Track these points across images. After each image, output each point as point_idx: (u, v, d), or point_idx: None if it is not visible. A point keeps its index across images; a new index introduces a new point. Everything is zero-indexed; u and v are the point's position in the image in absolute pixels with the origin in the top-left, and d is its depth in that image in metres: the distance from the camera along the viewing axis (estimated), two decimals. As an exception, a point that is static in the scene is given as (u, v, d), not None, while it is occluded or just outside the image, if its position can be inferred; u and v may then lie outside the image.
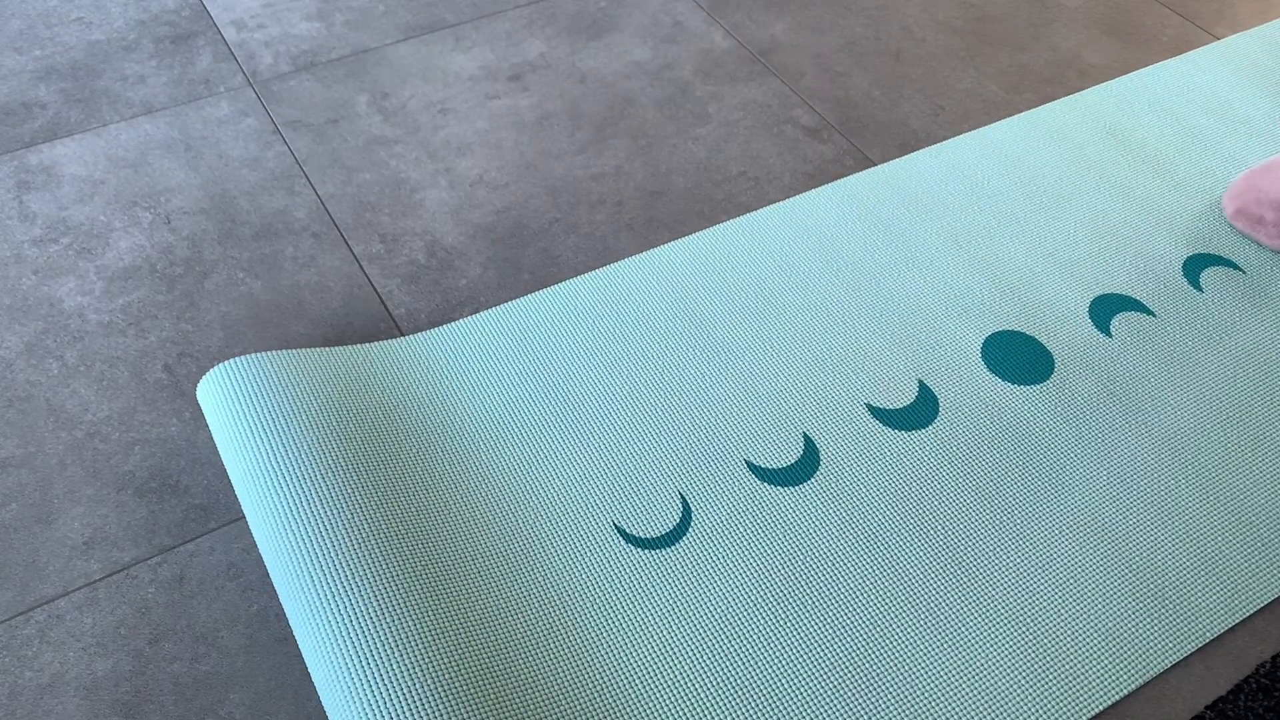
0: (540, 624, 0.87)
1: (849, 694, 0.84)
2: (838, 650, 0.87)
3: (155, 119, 1.31)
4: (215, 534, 0.94)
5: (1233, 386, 1.06)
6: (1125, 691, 0.86)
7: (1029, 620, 0.89)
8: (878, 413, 1.03)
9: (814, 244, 1.18)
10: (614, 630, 0.87)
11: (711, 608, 0.89)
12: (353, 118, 1.32)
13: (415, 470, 0.95)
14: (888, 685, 0.85)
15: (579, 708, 0.83)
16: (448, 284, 1.14)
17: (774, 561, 0.92)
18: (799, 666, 0.86)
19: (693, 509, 0.95)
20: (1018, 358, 1.08)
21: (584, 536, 0.93)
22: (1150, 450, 1.01)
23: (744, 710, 0.83)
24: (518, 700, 0.81)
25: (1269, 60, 1.45)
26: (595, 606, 0.89)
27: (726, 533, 0.94)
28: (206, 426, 1.01)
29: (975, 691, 0.85)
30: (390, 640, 0.80)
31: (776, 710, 0.83)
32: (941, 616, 0.89)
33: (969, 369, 1.07)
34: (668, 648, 0.87)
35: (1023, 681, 0.86)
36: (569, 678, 0.84)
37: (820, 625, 0.88)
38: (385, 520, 0.89)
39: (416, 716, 0.77)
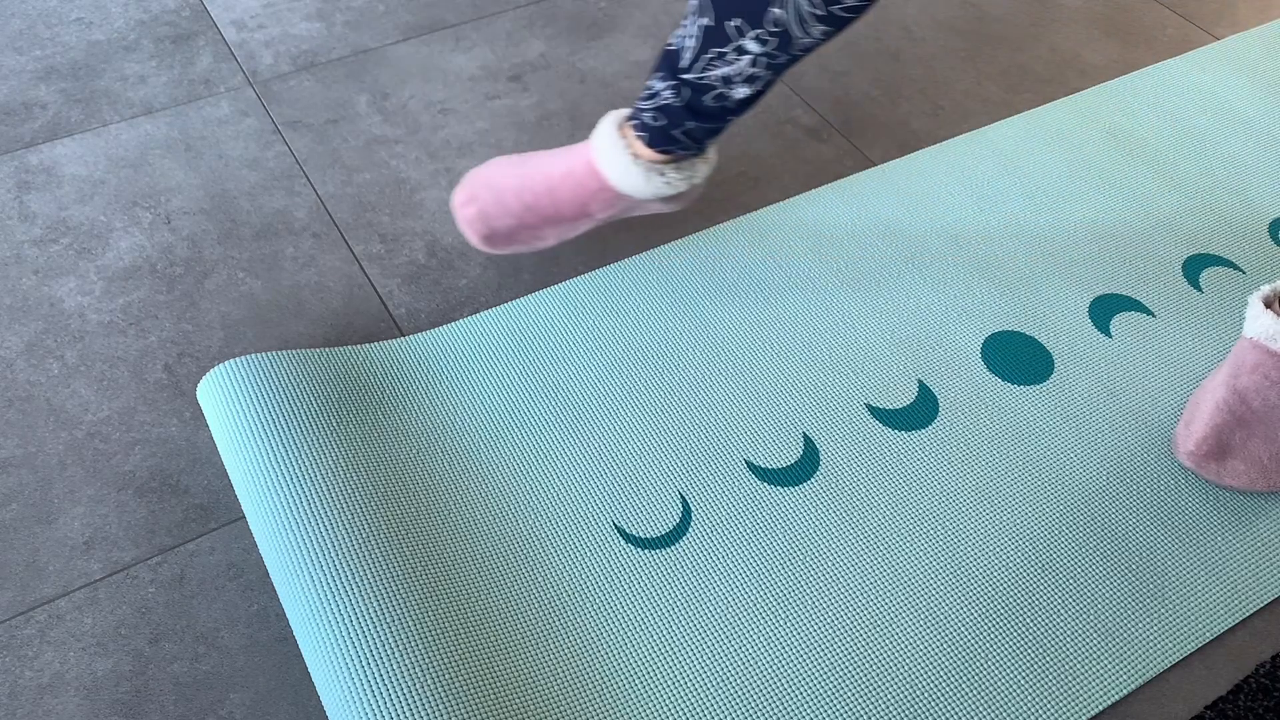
0: (540, 624, 0.87)
1: (849, 694, 0.84)
2: (838, 650, 0.87)
3: (155, 119, 1.31)
4: (215, 534, 0.94)
5: (1233, 386, 1.06)
6: (1125, 691, 0.86)
7: (1029, 620, 0.89)
8: (878, 413, 1.03)
9: (814, 244, 1.18)
10: (614, 630, 0.87)
11: (711, 608, 0.89)
12: (353, 118, 1.32)
13: (415, 470, 0.95)
14: (888, 685, 0.85)
15: (579, 708, 0.83)
16: (448, 284, 1.14)
17: (774, 561, 0.92)
18: (799, 666, 0.86)
19: (693, 509, 0.95)
20: (1018, 358, 1.08)
21: (584, 536, 0.93)
22: (1150, 450, 1.01)
23: (744, 710, 0.83)
24: (518, 700, 0.81)
25: (1269, 60, 1.45)
26: (595, 606, 0.89)
27: (726, 533, 0.94)
28: (206, 426, 1.01)
29: (975, 691, 0.85)
30: (390, 640, 0.81)
31: (776, 710, 0.83)
32: (941, 616, 0.89)
33: (969, 369, 1.07)
34: (668, 648, 0.87)
35: (1023, 681, 0.86)
36: (569, 678, 0.84)
37: (820, 625, 0.88)
38: (385, 520, 0.89)
39: (416, 716, 0.77)
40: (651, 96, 0.97)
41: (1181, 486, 0.98)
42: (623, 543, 0.93)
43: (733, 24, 0.88)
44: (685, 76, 0.93)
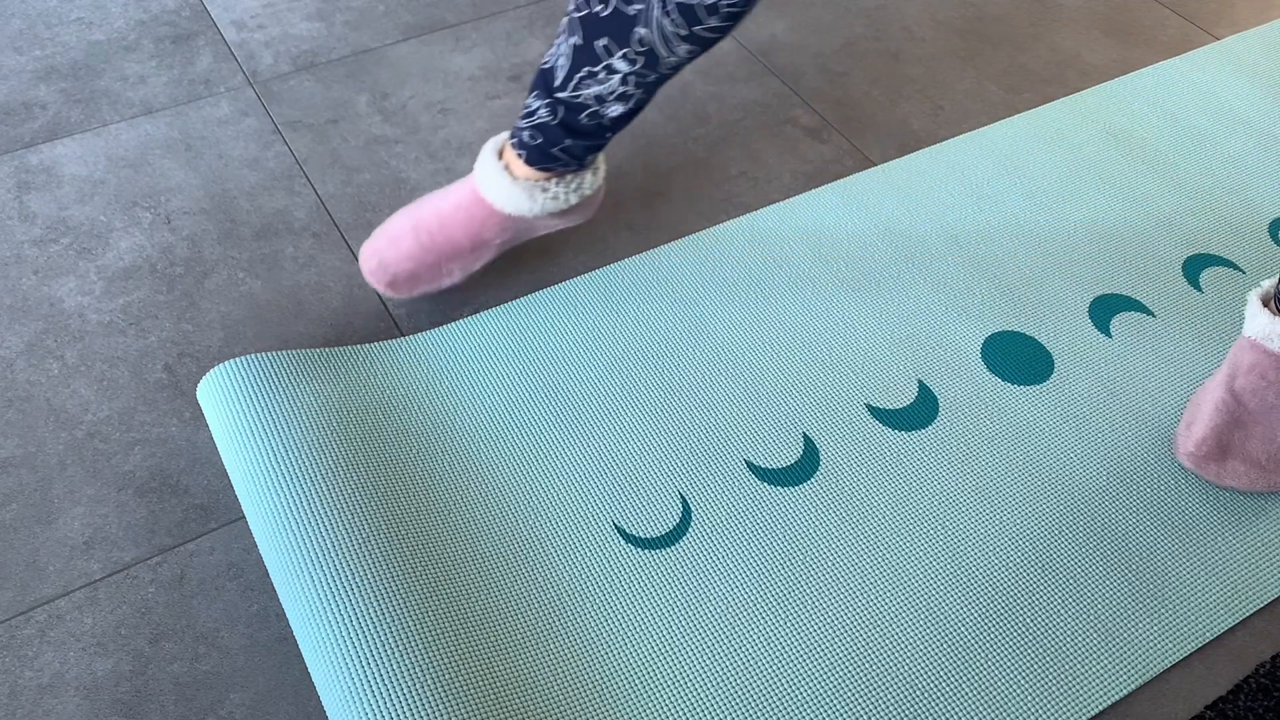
0: (540, 624, 0.87)
1: (849, 694, 0.84)
2: (838, 650, 0.87)
3: (155, 119, 1.31)
4: (215, 534, 0.94)
5: (1233, 386, 1.06)
6: (1125, 691, 0.86)
7: (1029, 620, 0.89)
8: (878, 413, 1.03)
9: (814, 244, 1.18)
10: (614, 630, 0.87)
11: (711, 608, 0.89)
12: (353, 118, 1.32)
13: (415, 470, 0.95)
14: (888, 685, 0.85)
15: (579, 708, 0.83)
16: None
17: (774, 561, 0.92)
18: (799, 666, 0.86)
19: (693, 509, 0.95)
20: (1018, 358, 1.08)
21: (584, 536, 0.93)
22: (1150, 450, 1.01)
23: (744, 710, 0.83)
24: (518, 700, 0.81)
25: (1268, 61, 1.45)
26: (595, 606, 0.89)
27: (726, 533, 0.94)
28: (206, 426, 1.01)
29: (975, 691, 0.85)
30: (390, 640, 0.81)
31: (776, 710, 0.83)
32: (941, 616, 0.89)
33: (969, 369, 1.07)
34: (668, 648, 0.87)
35: (1022, 681, 0.86)
36: (569, 678, 0.84)
37: (820, 625, 0.88)
38: (385, 520, 0.89)
39: (416, 716, 0.77)
40: (529, 115, 0.98)
41: (1181, 487, 0.98)
42: (623, 543, 0.93)
43: (601, 43, 0.88)
44: (560, 95, 0.94)
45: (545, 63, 0.95)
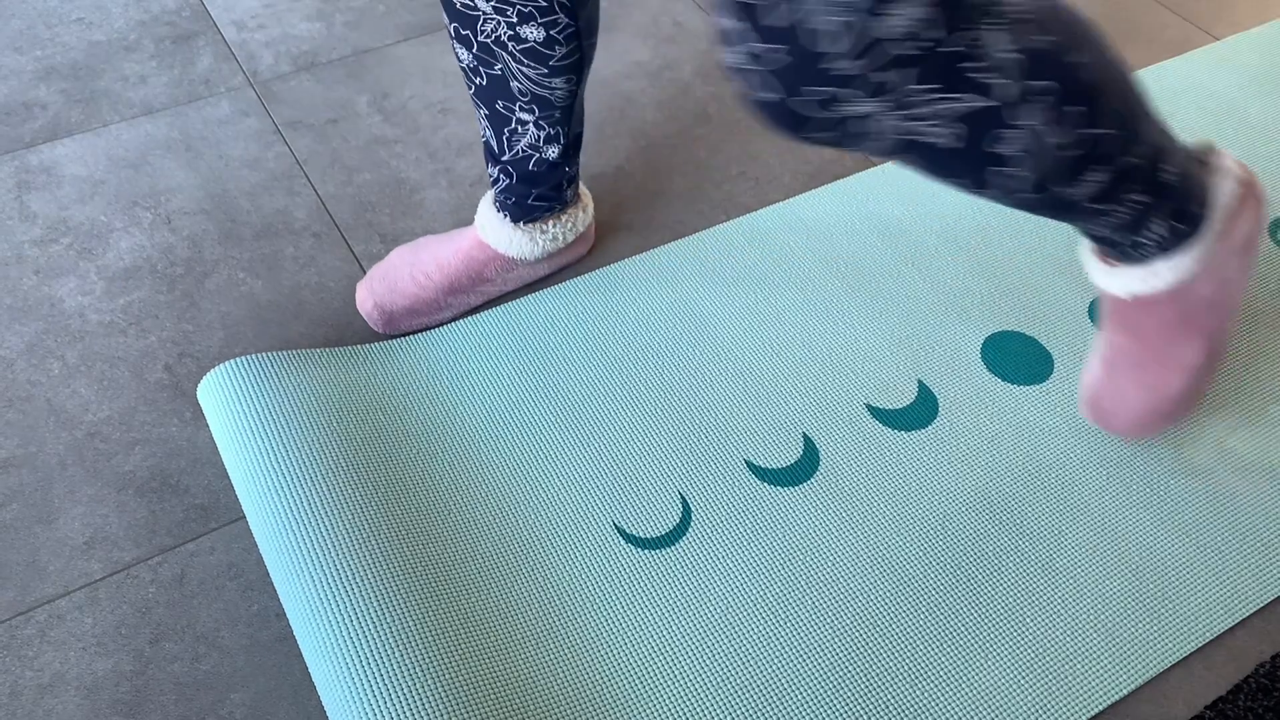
0: (540, 624, 0.87)
1: (849, 694, 0.84)
2: (838, 650, 0.87)
3: (155, 119, 1.31)
4: (215, 534, 0.94)
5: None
6: (1125, 691, 0.86)
7: (1029, 620, 0.89)
8: (878, 413, 1.03)
9: (814, 244, 1.18)
10: (614, 630, 0.87)
11: (711, 608, 0.89)
12: (353, 118, 1.33)
13: (415, 470, 0.95)
14: (888, 685, 0.85)
15: (579, 708, 0.83)
16: (448, 284, 1.14)
17: (774, 561, 0.92)
18: (799, 666, 0.86)
19: (692, 509, 0.95)
20: (1018, 358, 1.08)
21: (584, 536, 0.93)
22: (1150, 450, 1.01)
23: (744, 710, 0.83)
24: (518, 700, 0.81)
25: (1268, 61, 1.45)
26: (595, 606, 0.89)
27: (726, 533, 0.94)
28: (207, 426, 1.01)
29: (975, 691, 0.85)
30: (390, 640, 0.81)
31: (776, 710, 0.84)
32: (941, 616, 0.89)
33: (969, 369, 1.07)
34: (668, 648, 0.87)
35: (1022, 681, 0.86)
36: (569, 678, 0.84)
37: (820, 625, 0.88)
38: (385, 520, 0.89)
39: (416, 716, 0.77)
40: (495, 182, 1.06)
41: (1182, 486, 0.98)
42: (623, 543, 0.93)
43: (499, 106, 0.97)
44: (504, 160, 1.02)
45: (483, 137, 1.03)
